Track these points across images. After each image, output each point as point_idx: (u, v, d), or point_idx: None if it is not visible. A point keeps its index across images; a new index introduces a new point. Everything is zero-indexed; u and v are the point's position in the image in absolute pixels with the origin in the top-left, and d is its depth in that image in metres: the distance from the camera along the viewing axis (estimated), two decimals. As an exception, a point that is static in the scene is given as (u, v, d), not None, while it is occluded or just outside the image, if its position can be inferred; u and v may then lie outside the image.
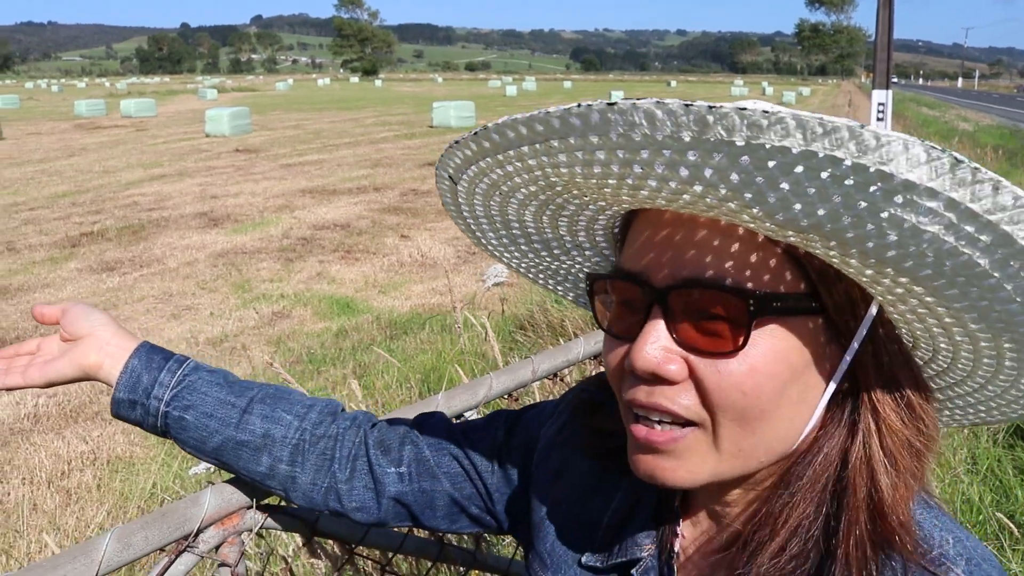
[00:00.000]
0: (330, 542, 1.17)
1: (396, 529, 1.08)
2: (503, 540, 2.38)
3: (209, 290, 7.56)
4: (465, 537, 1.62)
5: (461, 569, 1.35)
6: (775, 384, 0.59)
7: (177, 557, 0.92)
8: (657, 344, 0.60)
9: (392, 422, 0.99)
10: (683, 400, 0.60)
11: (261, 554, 2.23)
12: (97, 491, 3.90)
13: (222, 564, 0.97)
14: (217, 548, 0.97)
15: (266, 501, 1.03)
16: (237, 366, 5.63)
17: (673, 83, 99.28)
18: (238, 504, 0.98)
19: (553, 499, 0.84)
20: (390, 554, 1.21)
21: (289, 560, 1.89)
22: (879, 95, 12.79)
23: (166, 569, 0.91)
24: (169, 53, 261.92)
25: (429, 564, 1.28)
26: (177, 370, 0.91)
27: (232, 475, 1.00)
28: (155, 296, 7.39)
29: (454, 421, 1.02)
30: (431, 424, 0.98)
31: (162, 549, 0.91)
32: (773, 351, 0.59)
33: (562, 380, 1.57)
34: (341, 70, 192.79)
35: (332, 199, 12.35)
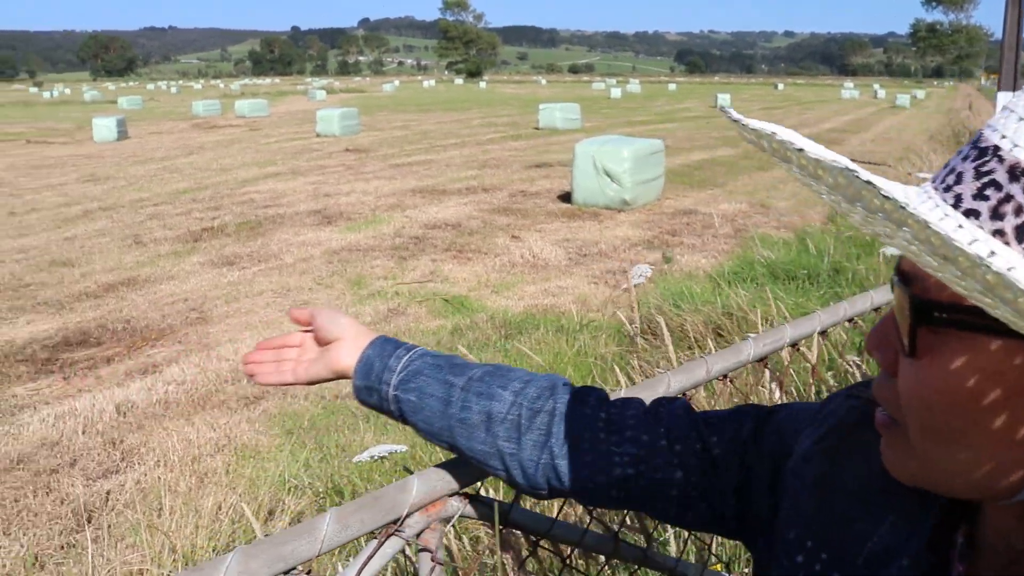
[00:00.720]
0: (517, 532, 1.17)
1: (580, 523, 1.05)
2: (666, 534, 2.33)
3: (325, 286, 7.70)
4: (639, 536, 1.58)
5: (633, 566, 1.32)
6: (955, 402, 0.53)
7: (386, 540, 0.95)
8: (881, 329, 0.59)
9: (625, 402, 0.96)
10: (884, 392, 0.59)
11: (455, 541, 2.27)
12: (226, 476, 4.00)
13: (423, 549, 1.00)
14: (419, 534, 0.98)
15: (465, 490, 1.04)
16: (356, 361, 5.71)
17: (780, 86, 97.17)
18: (441, 491, 1.01)
19: (805, 515, 0.76)
20: (570, 549, 1.19)
21: (480, 548, 1.91)
22: (1004, 97, 12.25)
23: (375, 551, 0.94)
24: (280, 55, 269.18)
25: (603, 559, 1.25)
26: (404, 356, 0.98)
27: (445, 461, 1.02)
28: (273, 290, 7.56)
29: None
30: (671, 410, 0.94)
31: (372, 533, 0.94)
32: (953, 367, 0.53)
33: (731, 382, 1.52)
34: (446, 72, 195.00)
35: (442, 199, 12.47)
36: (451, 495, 1.02)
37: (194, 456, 4.28)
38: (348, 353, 1.01)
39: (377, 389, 0.98)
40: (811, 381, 2.37)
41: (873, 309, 1.88)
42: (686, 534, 1.75)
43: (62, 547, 3.54)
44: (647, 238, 9.62)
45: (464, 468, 1.02)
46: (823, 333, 1.69)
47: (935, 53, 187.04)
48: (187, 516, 3.25)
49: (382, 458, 1.70)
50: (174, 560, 3.06)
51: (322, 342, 1.04)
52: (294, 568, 0.82)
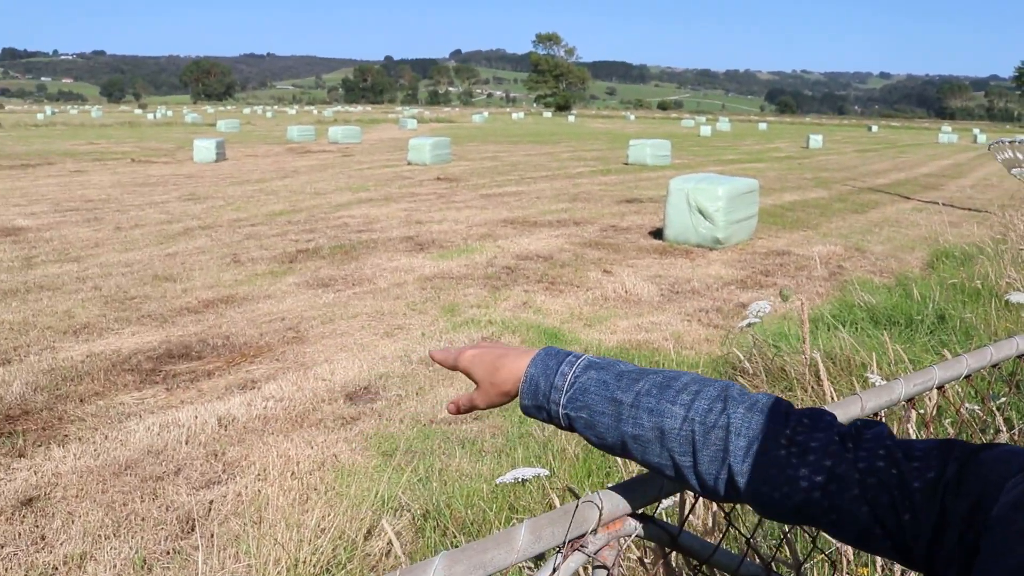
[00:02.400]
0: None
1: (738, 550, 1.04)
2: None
3: (419, 311, 7.79)
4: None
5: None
6: None
7: (571, 554, 0.96)
8: None
9: (814, 417, 0.90)
10: None
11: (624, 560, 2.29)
12: (325, 493, 4.06)
13: (600, 566, 1.00)
14: (598, 550, 0.99)
15: (640, 511, 1.05)
16: (451, 387, 5.76)
17: (874, 128, 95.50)
18: (622, 511, 1.01)
19: (1011, 565, 0.70)
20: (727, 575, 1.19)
21: (649, 568, 1.92)
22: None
23: (560, 564, 0.95)
24: (372, 84, 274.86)
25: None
26: (569, 372, 0.98)
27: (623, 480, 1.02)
28: (368, 314, 7.68)
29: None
30: (871, 437, 0.87)
31: (558, 547, 0.95)
32: None
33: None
34: (535, 104, 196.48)
35: (533, 231, 12.54)
36: (630, 515, 1.03)
37: (293, 472, 4.36)
38: (513, 383, 1.01)
39: (546, 408, 0.98)
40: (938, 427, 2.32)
41: (1018, 356, 1.83)
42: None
43: (168, 552, 3.64)
44: (740, 277, 9.52)
45: (640, 489, 1.03)
46: (968, 377, 1.66)
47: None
48: (291, 530, 3.30)
49: (525, 481, 1.72)
50: (279, 572, 3.12)
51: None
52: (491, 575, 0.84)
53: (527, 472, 1.68)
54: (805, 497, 0.86)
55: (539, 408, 0.99)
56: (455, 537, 3.38)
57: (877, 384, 2.55)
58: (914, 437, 2.21)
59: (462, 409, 1.07)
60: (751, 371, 5.02)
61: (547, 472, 1.88)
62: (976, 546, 0.77)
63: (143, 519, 3.90)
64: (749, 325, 3.55)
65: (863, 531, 0.85)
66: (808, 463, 0.86)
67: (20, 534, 3.77)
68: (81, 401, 5.47)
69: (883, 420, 1.47)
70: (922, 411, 2.71)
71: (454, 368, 1.07)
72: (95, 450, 4.69)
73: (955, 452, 0.83)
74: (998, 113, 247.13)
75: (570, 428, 0.98)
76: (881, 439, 0.87)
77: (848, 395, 1.46)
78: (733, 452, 0.89)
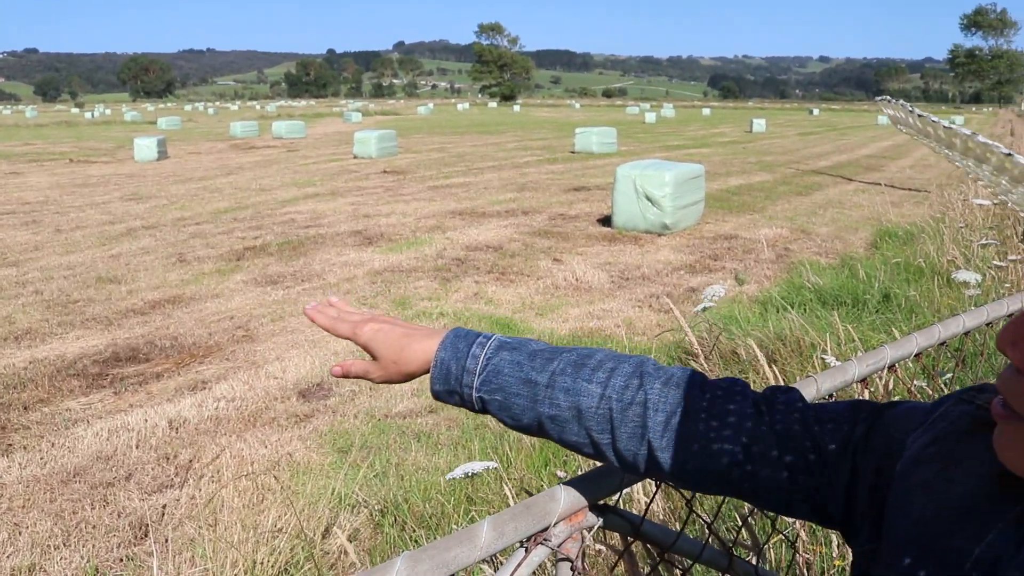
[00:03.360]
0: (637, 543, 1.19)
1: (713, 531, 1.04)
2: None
3: (370, 306, 7.74)
4: (751, 553, 1.57)
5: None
6: None
7: (534, 548, 0.96)
8: (1017, 325, 0.60)
9: (728, 387, 0.90)
10: (1012, 386, 0.60)
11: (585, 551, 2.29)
12: (281, 493, 4.01)
13: (564, 559, 1.00)
14: (561, 543, 0.98)
15: (601, 501, 1.04)
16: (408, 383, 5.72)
17: (816, 111, 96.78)
18: (582, 503, 1.01)
19: (912, 517, 0.73)
20: (688, 562, 1.19)
21: (603, 558, 1.92)
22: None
23: (524, 559, 0.95)
24: (315, 78, 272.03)
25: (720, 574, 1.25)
26: (480, 355, 0.95)
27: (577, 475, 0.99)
28: (318, 310, 7.60)
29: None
30: (784, 402, 0.88)
31: (521, 542, 0.95)
32: None
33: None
34: (480, 95, 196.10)
35: (482, 221, 12.51)
36: (590, 507, 1.02)
37: (247, 472, 4.30)
38: (420, 364, 0.98)
39: (458, 392, 0.96)
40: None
41: (964, 333, 1.87)
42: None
43: (120, 560, 3.57)
44: (689, 262, 9.59)
45: (600, 481, 1.02)
46: (918, 356, 1.68)
47: (974, 79, 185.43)
48: (248, 531, 3.26)
49: (474, 475, 1.70)
50: (236, 574, 3.07)
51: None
52: (454, 574, 0.83)
53: (476, 466, 1.67)
54: (726, 467, 0.87)
55: (451, 393, 0.97)
56: (414, 531, 3.36)
57: (833, 365, 2.58)
58: None
59: (351, 375, 1.02)
60: (703, 355, 5.06)
61: (495, 464, 1.87)
62: (884, 502, 0.78)
63: (94, 527, 3.82)
64: (704, 309, 3.56)
65: (783, 497, 0.86)
66: (725, 434, 0.86)
67: (-34, 547, 3.68)
68: (25, 409, 5.34)
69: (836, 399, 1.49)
70: (873, 389, 2.75)
71: (348, 338, 1.01)
72: (41, 458, 4.58)
73: (863, 412, 0.85)
74: (933, 95, 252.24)
75: (484, 411, 0.97)
76: (793, 404, 0.88)
77: (801, 377, 1.47)
78: (652, 428, 0.89)
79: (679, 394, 0.90)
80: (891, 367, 1.61)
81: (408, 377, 1.01)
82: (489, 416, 0.98)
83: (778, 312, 6.08)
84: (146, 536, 3.73)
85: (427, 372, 0.98)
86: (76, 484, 4.26)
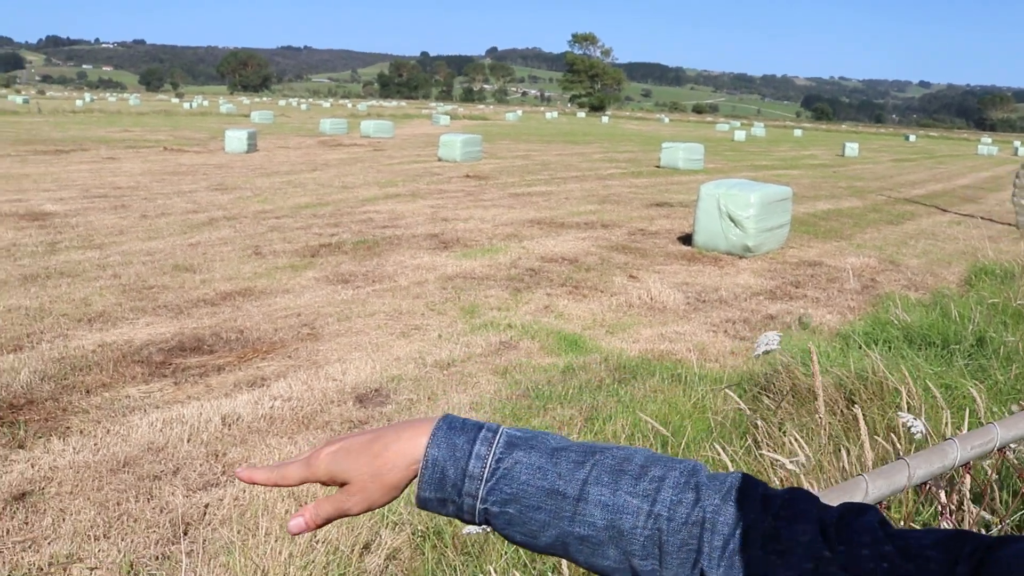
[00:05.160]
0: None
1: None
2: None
3: (438, 312, 7.63)
4: None
5: None
6: None
7: None
8: None
9: (794, 503, 0.72)
10: None
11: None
12: (325, 505, 3.90)
13: None
14: None
15: None
16: (464, 393, 5.58)
17: (912, 137, 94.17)
18: None
19: None
20: None
21: None
22: None
23: None
24: (407, 79, 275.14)
25: None
26: (487, 455, 0.75)
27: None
28: (385, 312, 7.53)
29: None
30: (857, 529, 0.69)
31: None
32: None
33: (928, 491, 1.29)
34: (569, 104, 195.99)
35: (560, 232, 12.34)
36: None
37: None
38: (401, 472, 0.77)
39: (456, 502, 0.75)
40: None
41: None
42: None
43: (157, 557, 3.49)
44: (769, 288, 9.27)
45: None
46: None
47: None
48: (282, 541, 3.14)
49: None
50: (266, 588, 2.96)
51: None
52: None
53: None
54: None
55: (443, 502, 0.76)
56: (455, 558, 3.20)
57: (909, 424, 2.34)
58: (969, 511, 1.98)
59: (319, 522, 0.79)
60: (776, 389, 4.81)
61: None
62: None
63: (136, 520, 3.76)
64: (757, 356, 3.33)
65: None
66: (789, 565, 0.68)
67: (8, 531, 3.64)
68: (87, 392, 5.35)
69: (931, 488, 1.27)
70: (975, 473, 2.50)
71: (305, 480, 0.79)
72: (95, 444, 4.56)
73: (966, 549, 0.64)
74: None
75: (484, 523, 0.77)
76: (872, 532, 0.68)
77: (881, 422, 1.26)
78: (707, 554, 0.70)
79: (735, 510, 0.71)
80: (1001, 449, 1.38)
81: (395, 491, 0.78)
82: (485, 526, 0.77)
83: (860, 348, 5.76)
84: (185, 534, 3.65)
85: (415, 477, 0.77)
86: (124, 474, 4.22)
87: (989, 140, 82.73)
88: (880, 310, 7.41)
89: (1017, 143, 76.41)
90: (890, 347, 5.63)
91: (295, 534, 0.78)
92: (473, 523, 0.77)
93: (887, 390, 4.10)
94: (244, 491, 4.03)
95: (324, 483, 0.78)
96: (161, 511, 3.85)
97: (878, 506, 1.14)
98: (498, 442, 0.76)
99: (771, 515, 0.71)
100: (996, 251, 11.70)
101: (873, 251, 12.16)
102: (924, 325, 6.11)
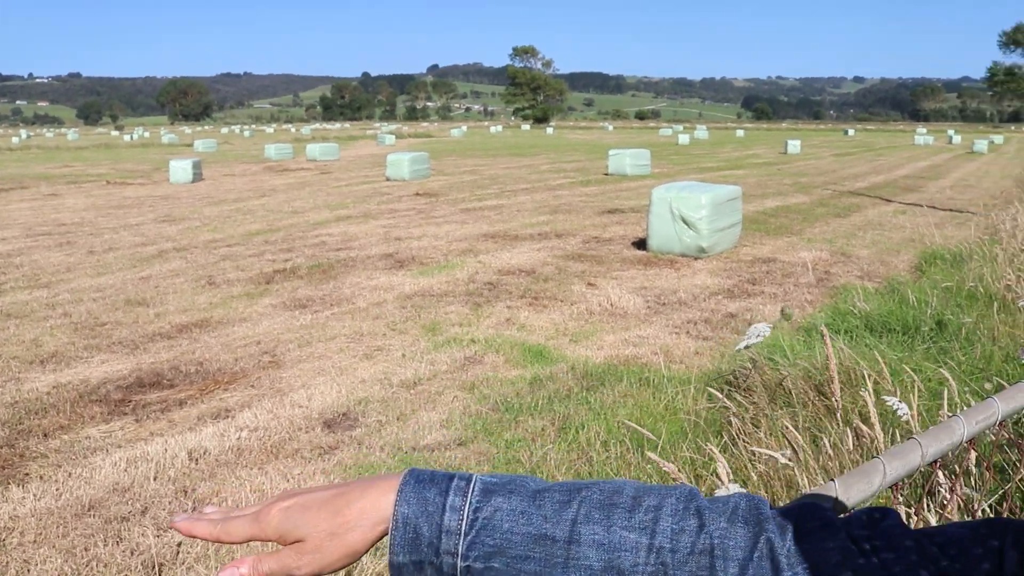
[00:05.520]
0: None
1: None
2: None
3: (399, 331, 7.56)
4: None
5: None
6: None
7: None
8: None
9: (812, 518, 0.67)
10: None
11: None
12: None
13: None
14: None
15: None
16: (433, 411, 5.52)
17: (851, 131, 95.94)
18: None
19: None
20: None
21: None
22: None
23: None
24: (350, 101, 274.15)
25: None
26: (463, 506, 0.68)
27: None
28: (346, 335, 7.44)
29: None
30: (887, 530, 0.64)
31: None
32: None
33: (944, 468, 1.28)
34: (512, 117, 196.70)
35: (515, 244, 12.33)
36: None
37: (267, 508, 4.11)
38: (363, 516, 0.69)
39: (435, 563, 0.67)
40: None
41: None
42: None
43: (131, 603, 3.39)
44: (727, 287, 9.33)
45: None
46: None
47: (1013, 97, 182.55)
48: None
49: None
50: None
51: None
52: None
53: None
54: None
55: (420, 565, 0.68)
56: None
57: (896, 408, 2.35)
58: (976, 486, 1.98)
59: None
60: (747, 385, 4.82)
61: None
62: None
63: (106, 565, 3.65)
64: (747, 347, 3.33)
65: None
66: None
67: (-27, 586, 3.52)
68: (45, 436, 5.20)
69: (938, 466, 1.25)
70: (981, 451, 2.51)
71: (252, 538, 0.71)
72: (57, 489, 4.43)
73: (1009, 535, 0.61)
74: (971, 114, 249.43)
75: None
76: (904, 535, 0.64)
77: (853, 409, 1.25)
78: None
79: (752, 532, 0.66)
80: (1001, 423, 1.37)
81: (354, 556, 0.70)
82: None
83: (822, 339, 5.81)
84: (159, 576, 3.55)
85: (382, 538, 0.70)
86: (90, 518, 4.10)
87: (924, 130, 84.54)
88: (839, 301, 7.49)
89: (951, 132, 78.19)
90: (852, 336, 5.68)
91: None
92: None
93: (856, 377, 4.12)
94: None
95: (273, 541, 0.71)
96: (132, 553, 3.74)
97: (893, 488, 1.12)
98: (473, 490, 0.70)
99: (790, 531, 0.66)
100: (942, 237, 11.92)
101: (824, 244, 12.32)
102: (883, 313, 6.18)
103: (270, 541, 0.70)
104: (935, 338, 5.52)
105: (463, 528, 0.67)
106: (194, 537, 0.73)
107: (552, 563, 0.66)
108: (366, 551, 0.70)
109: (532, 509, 0.68)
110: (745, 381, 4.85)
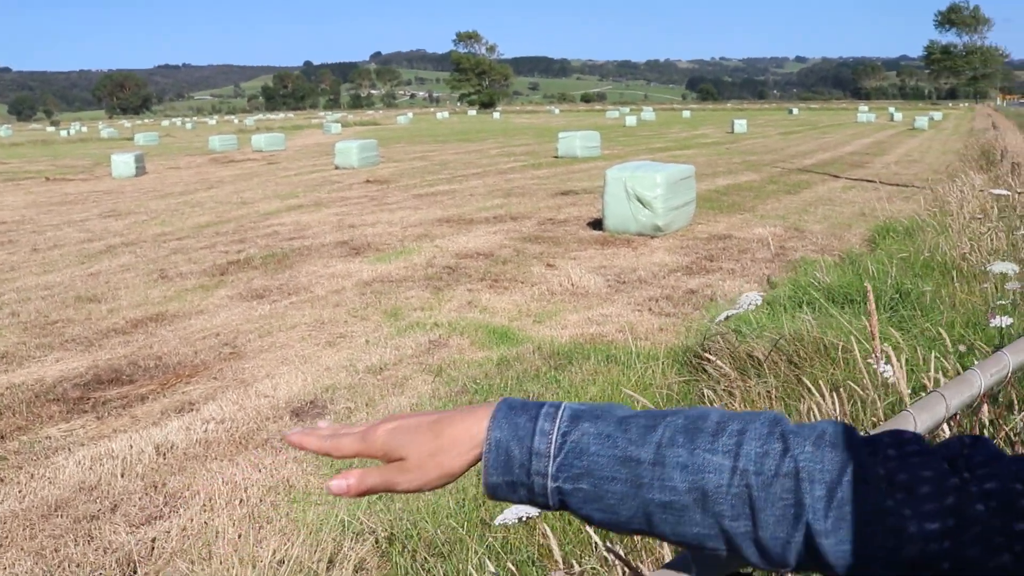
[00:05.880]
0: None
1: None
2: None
3: (360, 318, 7.48)
4: None
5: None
6: None
7: None
8: None
9: (902, 443, 0.66)
10: None
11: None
12: (279, 520, 3.75)
13: None
14: None
15: None
16: (401, 396, 5.47)
17: (795, 110, 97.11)
18: None
19: None
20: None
21: None
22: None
23: None
24: (293, 90, 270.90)
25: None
26: (551, 430, 0.71)
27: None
28: (307, 324, 7.35)
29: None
30: (982, 458, 0.63)
31: None
32: None
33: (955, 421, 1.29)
34: (459, 103, 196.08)
35: (470, 228, 12.27)
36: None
37: (241, 499, 4.04)
38: (460, 455, 0.73)
39: (526, 484, 0.71)
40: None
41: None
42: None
43: (107, 601, 3.31)
44: (685, 264, 9.38)
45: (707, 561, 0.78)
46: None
47: (949, 75, 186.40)
48: (246, 566, 3.00)
49: (530, 519, 1.41)
50: (234, 618, 2.82)
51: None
52: None
53: (533, 510, 1.37)
54: (918, 552, 0.61)
55: (514, 485, 0.71)
56: (426, 560, 3.11)
57: (885, 374, 2.36)
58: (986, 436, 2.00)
59: (363, 490, 0.74)
60: (716, 359, 4.84)
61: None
62: None
63: (78, 565, 3.55)
64: (727, 317, 3.33)
65: None
66: (925, 508, 0.61)
67: (-61, 592, 3.41)
68: (2, 438, 5.06)
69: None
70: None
71: (358, 454, 0.75)
72: (20, 491, 4.31)
73: None
74: (910, 92, 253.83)
75: (561, 507, 0.72)
76: (1000, 459, 0.63)
77: (821, 381, 1.24)
78: (810, 506, 0.64)
79: (841, 456, 0.65)
80: (1010, 377, 1.38)
81: (451, 477, 0.75)
82: (564, 511, 0.72)
83: (786, 311, 5.86)
84: (135, 573, 3.46)
85: (477, 463, 0.74)
86: (58, 518, 3.99)
87: (866, 108, 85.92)
88: (799, 274, 7.57)
89: (892, 109, 79.54)
90: (815, 308, 5.74)
91: (334, 494, 0.74)
92: (548, 507, 0.72)
93: (827, 346, 4.16)
94: (191, 520, 3.85)
95: (378, 458, 0.75)
96: (105, 551, 3.65)
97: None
98: (561, 416, 0.72)
99: (882, 455, 0.65)
100: (892, 211, 12.11)
101: (777, 220, 12.44)
102: (843, 284, 6.26)
103: (374, 458, 0.74)
104: (896, 307, 5.60)
105: (552, 451, 0.70)
106: (304, 449, 0.78)
107: (638, 484, 0.68)
108: (461, 473, 0.74)
109: (618, 433, 0.70)
110: (714, 354, 4.86)
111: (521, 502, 0.73)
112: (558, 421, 0.71)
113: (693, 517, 0.67)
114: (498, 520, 1.43)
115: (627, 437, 0.69)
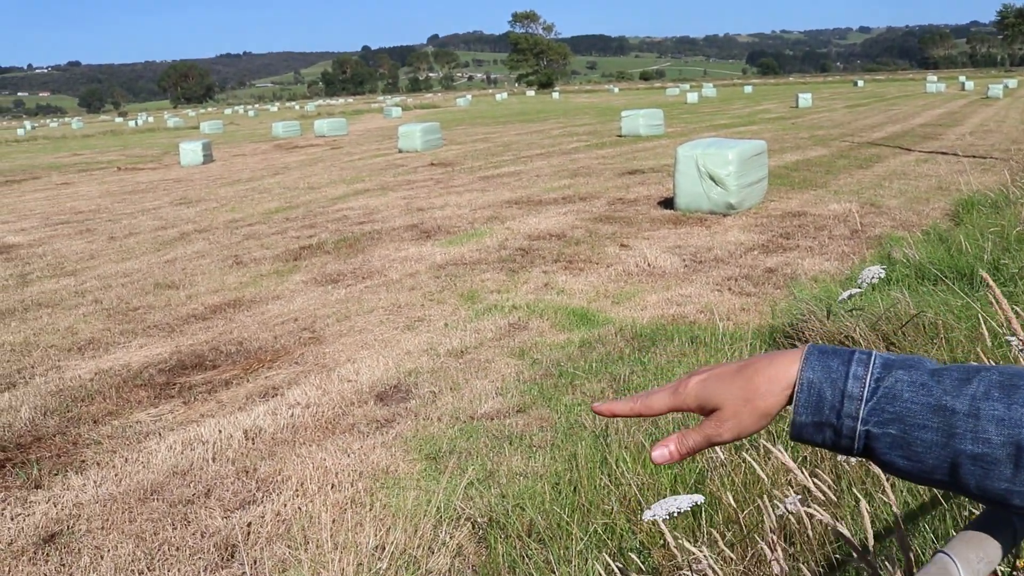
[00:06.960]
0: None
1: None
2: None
3: (437, 301, 7.47)
4: None
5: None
6: None
7: None
8: None
9: None
10: None
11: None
12: (372, 507, 3.74)
13: None
14: None
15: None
16: (486, 379, 5.44)
17: (860, 83, 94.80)
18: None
19: None
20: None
21: None
22: None
23: None
24: (352, 75, 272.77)
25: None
26: (865, 375, 0.70)
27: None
28: (384, 308, 7.36)
29: None
30: None
31: None
32: None
33: None
34: (517, 84, 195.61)
35: (539, 209, 12.20)
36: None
37: (333, 484, 4.04)
38: (774, 394, 0.73)
39: (834, 425, 0.71)
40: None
41: None
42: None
43: (209, 586, 3.33)
44: (761, 242, 9.20)
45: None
46: None
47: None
48: (348, 552, 2.99)
49: (680, 513, 1.35)
50: (340, 604, 2.81)
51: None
52: None
53: (683, 502, 1.31)
54: None
55: (821, 426, 0.71)
56: (530, 548, 3.07)
57: (1017, 344, 2.23)
58: None
59: (684, 452, 0.78)
60: (806, 339, 4.70)
61: (702, 499, 1.51)
62: None
63: (178, 548, 3.59)
64: (850, 296, 3.22)
65: None
66: None
67: (46, 575, 3.46)
68: (95, 422, 5.15)
69: None
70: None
71: (671, 408, 0.78)
72: (116, 475, 4.37)
73: None
74: (981, 59, 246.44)
75: (864, 452, 0.71)
76: None
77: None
78: None
79: None
80: None
81: (767, 418, 0.75)
82: (863, 457, 0.72)
83: (874, 290, 5.69)
84: (233, 557, 3.48)
85: (788, 403, 0.74)
86: (154, 502, 4.04)
87: (935, 78, 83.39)
88: (882, 251, 7.35)
89: (962, 78, 77.30)
90: (908, 286, 5.55)
91: (658, 463, 0.78)
92: (850, 451, 0.72)
93: (926, 325, 4.01)
94: (284, 505, 3.87)
95: (692, 411, 0.78)
96: (202, 536, 3.68)
97: None
98: (874, 363, 0.72)
99: None
100: (970, 184, 11.73)
101: (851, 196, 12.14)
102: (934, 260, 6.05)
103: (687, 410, 0.77)
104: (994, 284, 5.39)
105: (865, 395, 0.70)
106: (615, 415, 0.81)
107: (950, 434, 0.67)
108: (776, 414, 0.75)
109: (932, 383, 0.69)
110: (804, 335, 4.73)
111: (823, 445, 0.73)
112: (871, 367, 0.71)
113: (1003, 472, 0.66)
114: (646, 516, 1.36)
115: (941, 387, 0.69)
